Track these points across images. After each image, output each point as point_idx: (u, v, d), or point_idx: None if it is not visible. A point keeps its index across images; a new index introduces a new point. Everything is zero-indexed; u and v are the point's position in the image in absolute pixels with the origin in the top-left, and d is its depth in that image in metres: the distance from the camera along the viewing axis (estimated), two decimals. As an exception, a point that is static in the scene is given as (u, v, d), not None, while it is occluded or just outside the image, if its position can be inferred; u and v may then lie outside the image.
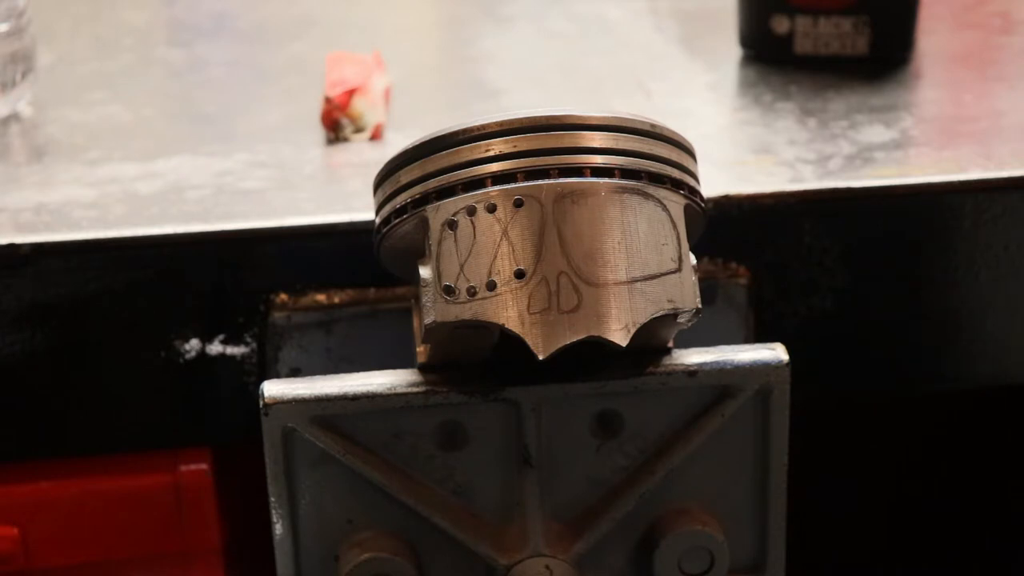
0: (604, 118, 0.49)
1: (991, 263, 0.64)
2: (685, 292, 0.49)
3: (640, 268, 0.48)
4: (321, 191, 0.64)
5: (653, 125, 0.50)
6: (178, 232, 0.60)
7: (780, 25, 0.78)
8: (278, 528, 0.53)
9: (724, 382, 0.53)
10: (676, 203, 0.50)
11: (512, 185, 0.48)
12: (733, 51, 0.81)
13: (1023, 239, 0.64)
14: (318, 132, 0.71)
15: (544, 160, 0.48)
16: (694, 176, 0.52)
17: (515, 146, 0.48)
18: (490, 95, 0.77)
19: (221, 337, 0.61)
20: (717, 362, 0.53)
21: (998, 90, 0.77)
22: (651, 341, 0.52)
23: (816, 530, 0.92)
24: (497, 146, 0.49)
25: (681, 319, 0.50)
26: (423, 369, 0.52)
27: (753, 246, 0.63)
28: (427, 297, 0.49)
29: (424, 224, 0.49)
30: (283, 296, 0.61)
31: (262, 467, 0.53)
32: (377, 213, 0.52)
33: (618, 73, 0.80)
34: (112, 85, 0.79)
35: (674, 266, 0.49)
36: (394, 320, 0.61)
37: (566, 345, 0.47)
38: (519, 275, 0.47)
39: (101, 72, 0.81)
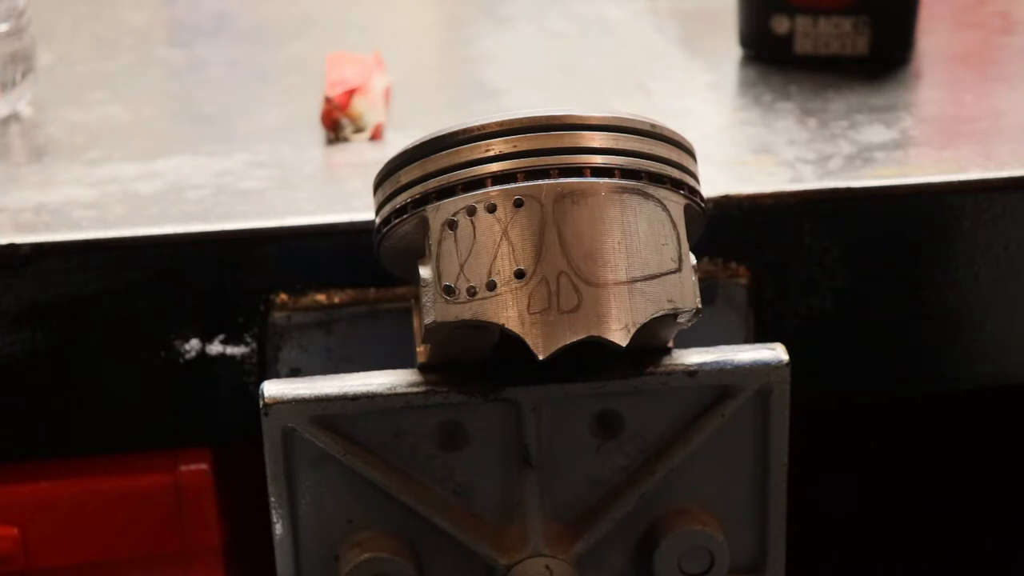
0: (604, 118, 0.49)
1: (991, 263, 0.64)
2: (685, 292, 0.49)
3: (640, 268, 0.48)
4: (321, 191, 0.64)
5: (653, 125, 0.50)
6: (178, 232, 0.60)
7: (780, 25, 0.78)
8: (278, 528, 0.53)
9: (724, 382, 0.53)
10: (676, 203, 0.50)
11: (512, 185, 0.48)
12: (733, 51, 0.81)
13: (1023, 239, 0.64)
14: (318, 132, 0.71)
15: (544, 160, 0.48)
16: (694, 176, 0.52)
17: (515, 146, 0.48)
18: (490, 95, 0.77)
19: (221, 337, 0.61)
20: (717, 362, 0.53)
21: (998, 90, 0.77)
22: (651, 341, 0.52)
23: (816, 530, 0.92)
24: (497, 146, 0.49)
25: (681, 319, 0.50)
26: (423, 369, 0.52)
27: (753, 246, 0.63)
28: (427, 297, 0.49)
29: (424, 224, 0.49)
30: (283, 296, 0.61)
31: (262, 467, 0.53)
32: (377, 213, 0.52)
33: (618, 73, 0.80)
34: (112, 85, 0.79)
35: (674, 266, 0.49)
36: (394, 320, 0.61)
37: (566, 345, 0.47)
38: (519, 275, 0.47)
39: (101, 72, 0.81)
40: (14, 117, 0.74)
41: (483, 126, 0.49)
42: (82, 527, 0.64)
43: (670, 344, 0.53)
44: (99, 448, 0.63)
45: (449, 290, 0.48)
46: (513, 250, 0.47)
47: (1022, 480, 0.96)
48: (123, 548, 0.64)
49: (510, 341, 0.48)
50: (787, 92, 0.75)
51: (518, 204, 0.48)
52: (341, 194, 0.64)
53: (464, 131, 0.49)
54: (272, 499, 0.53)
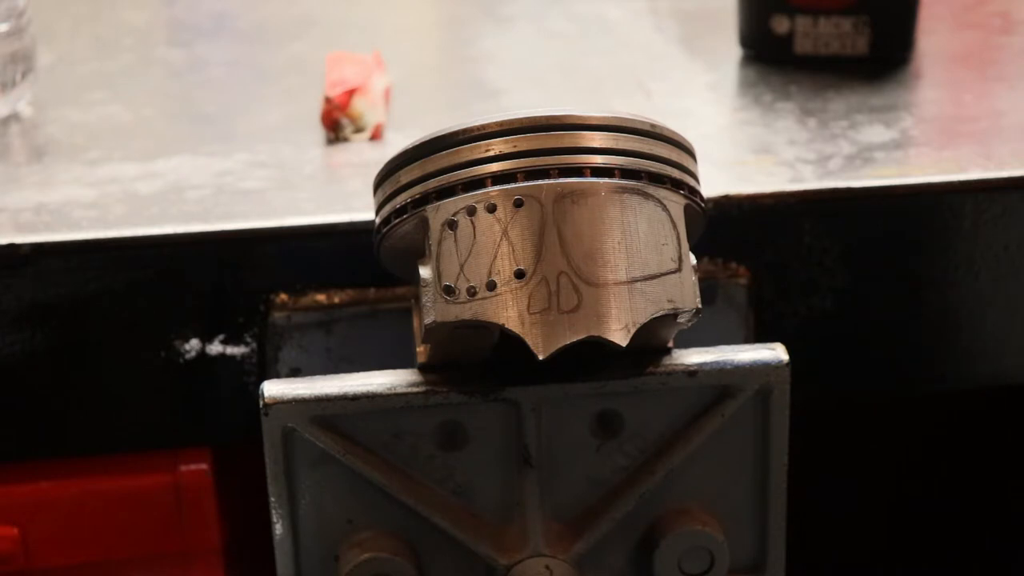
0: (604, 118, 0.49)
1: (991, 263, 0.64)
2: (685, 292, 0.49)
3: (640, 268, 0.48)
4: (321, 191, 0.64)
5: (653, 125, 0.50)
6: (178, 232, 0.60)
7: (780, 25, 0.78)
8: (278, 528, 0.53)
9: (724, 382, 0.53)
10: (676, 203, 0.50)
11: (512, 185, 0.48)
12: (733, 51, 0.81)
13: (1023, 239, 0.64)
14: (318, 132, 0.71)
15: (544, 160, 0.48)
16: (694, 176, 0.52)
17: (515, 146, 0.48)
18: (490, 95, 0.77)
19: (221, 337, 0.61)
20: (717, 362, 0.53)
21: (998, 90, 0.77)
22: (651, 341, 0.52)
23: (816, 530, 0.92)
24: (497, 146, 0.49)
25: (681, 319, 0.50)
26: (423, 369, 0.52)
27: (753, 246, 0.63)
28: (427, 297, 0.49)
29: (424, 224, 0.49)
30: (283, 296, 0.61)
31: (262, 467, 0.53)
32: (377, 213, 0.52)
33: (618, 73, 0.80)
34: (112, 85, 0.79)
35: (674, 266, 0.49)
36: (394, 320, 0.61)
37: (566, 345, 0.47)
38: (519, 275, 0.47)
39: (101, 72, 0.81)
40: (14, 117, 0.74)
41: (483, 126, 0.49)
42: (82, 527, 0.64)
43: (670, 344, 0.53)
44: (99, 448, 0.63)
45: (449, 290, 0.48)
46: (513, 250, 0.47)
47: (1022, 480, 0.96)
48: (123, 548, 0.64)
49: (510, 341, 0.48)
50: (787, 92, 0.75)
51: (518, 204, 0.48)
52: (341, 194, 0.64)
53: (464, 131, 0.49)
54: (272, 499, 0.53)
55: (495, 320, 0.47)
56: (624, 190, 0.48)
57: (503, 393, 0.52)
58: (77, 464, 0.63)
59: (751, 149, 0.68)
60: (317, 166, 0.68)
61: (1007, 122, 0.71)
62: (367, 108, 0.71)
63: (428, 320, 0.49)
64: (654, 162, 0.49)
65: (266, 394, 0.51)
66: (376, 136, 0.70)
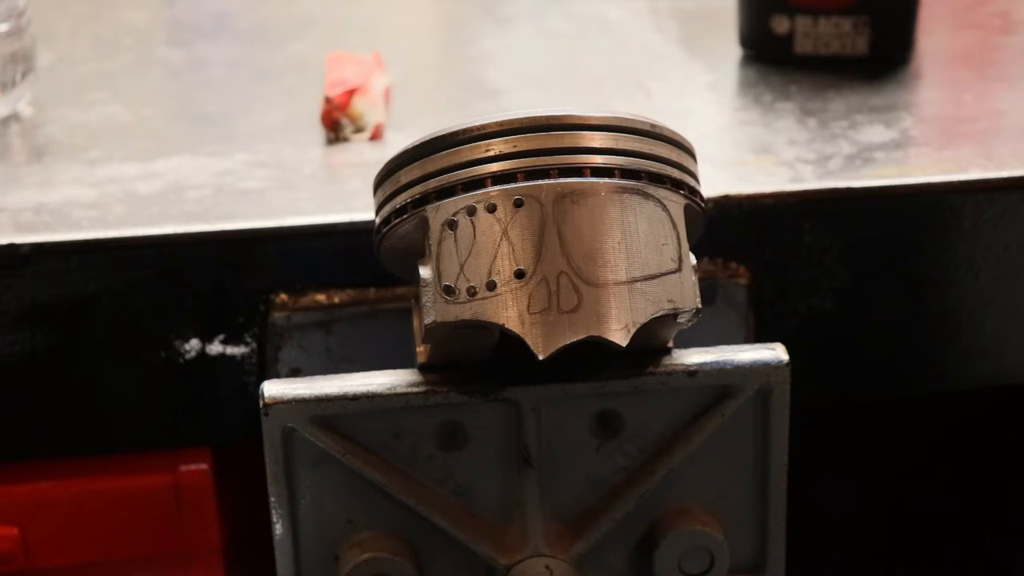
0: (604, 118, 0.49)
1: (991, 263, 0.64)
2: (685, 292, 0.49)
3: (640, 268, 0.48)
4: (321, 191, 0.64)
5: (653, 125, 0.50)
6: (178, 232, 0.60)
7: (780, 25, 0.78)
8: (278, 528, 0.53)
9: (724, 382, 0.53)
10: (676, 203, 0.50)
11: (512, 185, 0.48)
12: (733, 51, 0.81)
13: (1023, 239, 0.64)
14: (318, 132, 0.71)
15: (544, 160, 0.48)
16: (694, 176, 0.52)
17: (515, 146, 0.48)
18: (490, 95, 0.77)
19: (221, 337, 0.61)
20: (717, 362, 0.53)
21: (998, 90, 0.77)
22: (651, 341, 0.52)
23: (816, 530, 0.92)
24: (497, 146, 0.49)
25: (681, 319, 0.50)
26: (423, 369, 0.52)
27: (753, 246, 0.63)
28: (427, 297, 0.49)
29: (424, 224, 0.49)
30: (283, 296, 0.61)
31: (262, 467, 0.53)
32: (377, 213, 0.52)
33: (618, 73, 0.80)
34: (112, 85, 0.79)
35: (674, 266, 0.49)
36: (394, 320, 0.61)
37: (566, 345, 0.47)
38: (519, 275, 0.47)
39: (101, 72, 0.81)
40: (14, 117, 0.74)
41: (483, 126, 0.49)
42: (82, 527, 0.64)
43: (670, 344, 0.53)
44: (99, 448, 0.63)
45: (449, 290, 0.48)
46: (513, 250, 0.47)
47: (1022, 480, 0.96)
48: (123, 548, 0.64)
49: (510, 341, 0.48)
50: (787, 92, 0.75)
51: (518, 204, 0.48)
52: (341, 194, 0.64)
53: (464, 131, 0.49)
54: (272, 499, 0.53)
55: (495, 320, 0.47)
56: (624, 190, 0.48)
57: (503, 393, 0.52)
58: (77, 464, 0.63)
59: (751, 149, 0.68)
60: (317, 166, 0.68)
61: (1007, 122, 0.71)
62: (367, 108, 0.71)
63: (428, 320, 0.49)
64: (654, 162, 0.49)
65: (266, 394, 0.51)
66: (376, 136, 0.70)
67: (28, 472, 0.63)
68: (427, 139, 0.50)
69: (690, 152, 0.52)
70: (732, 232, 0.62)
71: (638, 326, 0.48)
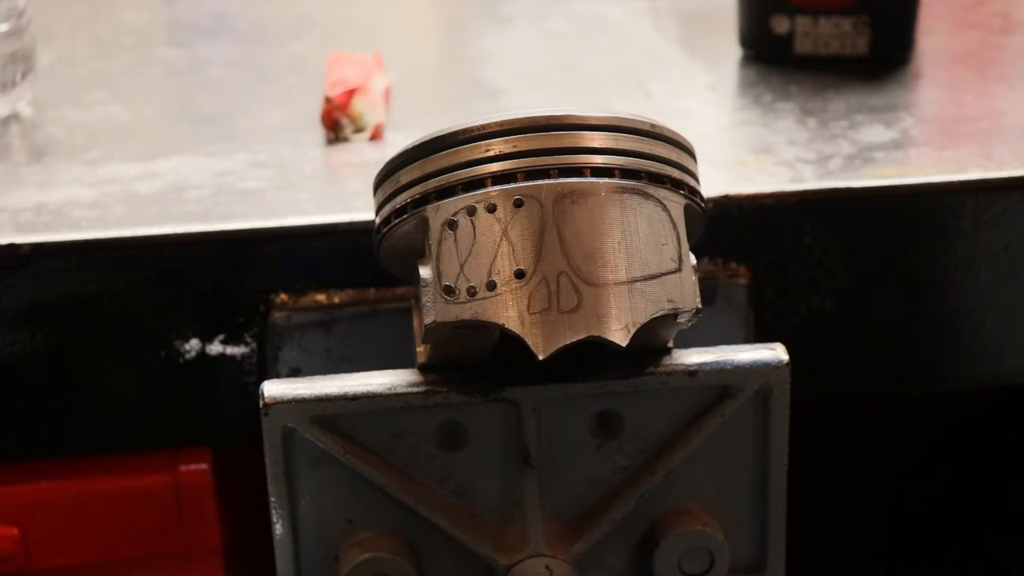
0: (604, 118, 0.49)
1: (991, 263, 0.64)
2: (685, 292, 0.49)
3: (640, 268, 0.48)
4: (321, 191, 0.64)
5: (653, 125, 0.50)
6: (178, 232, 0.60)
7: (780, 25, 0.78)
8: (278, 528, 0.53)
9: (724, 382, 0.53)
10: (676, 203, 0.50)
11: (512, 185, 0.48)
12: (733, 51, 0.81)
13: (1023, 239, 0.64)
14: (318, 132, 0.71)
15: (544, 160, 0.48)
16: (694, 176, 0.52)
17: (515, 146, 0.48)
18: (490, 95, 0.77)
19: (221, 337, 0.61)
20: (717, 362, 0.53)
21: (998, 90, 0.77)
22: (651, 341, 0.52)
23: (816, 530, 0.92)
24: (497, 146, 0.49)
25: (681, 319, 0.50)
26: (423, 369, 0.52)
27: (753, 246, 0.63)
28: (427, 297, 0.49)
29: (424, 224, 0.49)
30: (283, 296, 0.61)
31: (262, 467, 0.53)
32: (377, 213, 0.52)
33: (618, 73, 0.80)
34: (112, 85, 0.79)
35: (674, 266, 0.49)
36: (394, 320, 0.61)
37: (566, 345, 0.47)
38: (519, 275, 0.47)
39: (101, 72, 0.81)
40: (14, 117, 0.74)
41: (483, 126, 0.49)
42: (82, 527, 0.64)
43: (670, 344, 0.53)
44: (99, 448, 0.63)
45: (449, 290, 0.48)
46: (513, 250, 0.47)
47: (1022, 480, 0.96)
48: (123, 548, 0.64)
49: (510, 341, 0.48)
50: (787, 92, 0.75)
51: (518, 204, 0.48)
52: (341, 194, 0.64)
53: (464, 131, 0.49)
54: (272, 499, 0.53)
55: (495, 320, 0.47)
56: (624, 190, 0.48)
57: (503, 393, 0.52)
58: (77, 464, 0.63)
59: (751, 149, 0.68)
60: (317, 166, 0.68)
61: (1007, 122, 0.71)
62: (367, 108, 0.71)
63: (428, 320, 0.49)
64: (654, 162, 0.49)
65: (266, 394, 0.51)
66: (376, 136, 0.70)
67: (28, 472, 0.63)
68: (427, 139, 0.50)
69: (690, 152, 0.52)
70: (732, 232, 0.62)
71: (638, 326, 0.48)
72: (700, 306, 0.50)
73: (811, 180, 0.64)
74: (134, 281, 0.60)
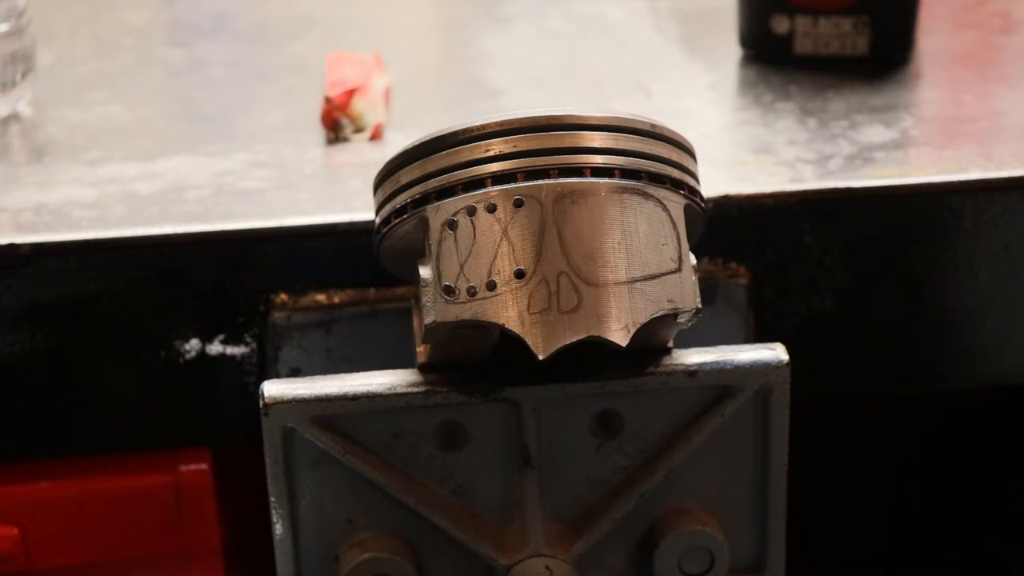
0: (604, 118, 0.49)
1: (991, 263, 0.64)
2: (685, 292, 0.49)
3: (640, 268, 0.48)
4: (321, 191, 0.64)
5: (653, 125, 0.50)
6: (178, 232, 0.60)
7: (780, 25, 0.78)
8: (278, 528, 0.53)
9: (724, 382, 0.53)
10: (676, 203, 0.50)
11: (512, 185, 0.48)
12: (733, 51, 0.81)
13: (1023, 239, 0.64)
14: (318, 132, 0.71)
15: (544, 160, 0.48)
16: (694, 176, 0.52)
17: (515, 146, 0.48)
18: (490, 95, 0.77)
19: (221, 337, 0.61)
20: (717, 362, 0.53)
21: (998, 90, 0.77)
22: (651, 341, 0.52)
23: (816, 530, 0.92)
24: (497, 146, 0.49)
25: (681, 319, 0.50)
26: (423, 369, 0.52)
27: (753, 246, 0.63)
28: (427, 297, 0.49)
29: (424, 224, 0.49)
30: (283, 296, 0.61)
31: (262, 467, 0.53)
32: (377, 213, 0.52)
33: (618, 73, 0.80)
34: (112, 85, 0.79)
35: (674, 266, 0.49)
36: (394, 320, 0.61)
37: (566, 345, 0.47)
38: (519, 275, 0.47)
39: (101, 72, 0.81)
40: (14, 117, 0.74)
41: (483, 126, 0.49)
42: (82, 527, 0.64)
43: (670, 344, 0.53)
44: (99, 448, 0.63)
45: (449, 290, 0.48)
46: (513, 250, 0.47)
47: (1022, 480, 0.96)
48: (123, 548, 0.64)
49: (510, 341, 0.48)
50: (787, 92, 0.75)
51: (518, 204, 0.48)
52: (341, 194, 0.64)
53: (464, 131, 0.49)
54: (272, 499, 0.53)
55: (495, 320, 0.47)
56: (624, 190, 0.48)
57: (503, 393, 0.52)
58: (77, 464, 0.63)
59: (751, 149, 0.68)
60: (317, 166, 0.68)
61: (1007, 122, 0.71)
62: (367, 108, 0.71)
63: (428, 320, 0.49)
64: (654, 162, 0.49)
65: (266, 394, 0.51)
66: (376, 136, 0.70)
67: (28, 472, 0.63)
68: (427, 139, 0.50)
69: (690, 152, 0.52)
70: (732, 232, 0.62)
71: (638, 326, 0.48)
72: (700, 306, 0.50)
73: (811, 180, 0.64)
74: (134, 281, 0.60)
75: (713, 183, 0.62)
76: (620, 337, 0.47)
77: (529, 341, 0.47)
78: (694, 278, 0.50)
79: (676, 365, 0.52)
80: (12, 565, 0.63)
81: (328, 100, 0.70)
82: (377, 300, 0.61)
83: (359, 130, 0.70)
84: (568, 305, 0.47)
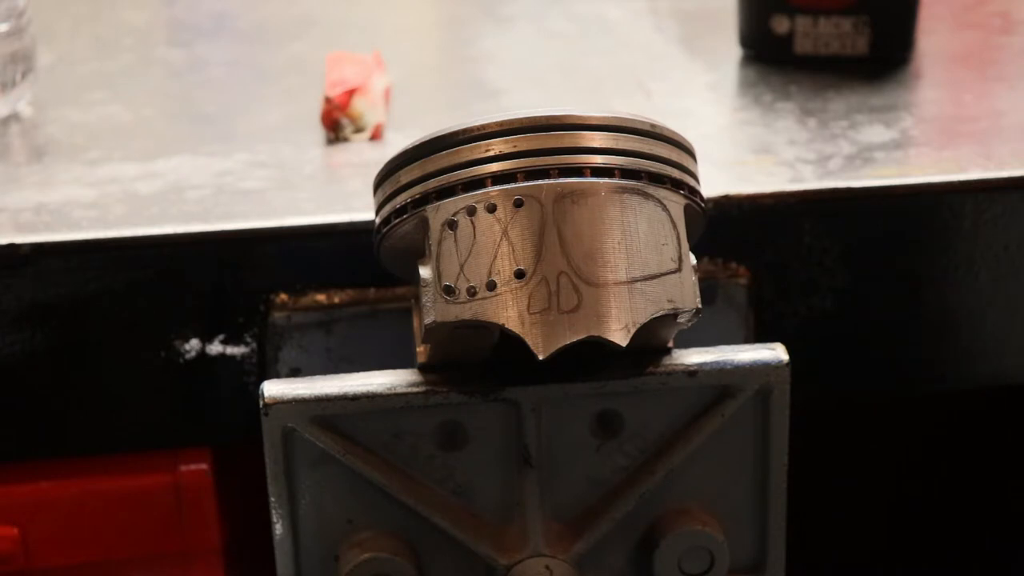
0: (604, 118, 0.49)
1: (991, 263, 0.64)
2: (685, 292, 0.49)
3: (640, 268, 0.48)
4: (321, 191, 0.64)
5: (653, 125, 0.50)
6: (178, 232, 0.60)
7: (780, 25, 0.78)
8: (278, 528, 0.53)
9: (724, 382, 0.53)
10: (676, 203, 0.50)
11: (512, 185, 0.48)
12: (733, 51, 0.81)
13: (1023, 239, 0.64)
14: (318, 132, 0.71)
15: (544, 160, 0.48)
16: (694, 176, 0.52)
17: (515, 146, 0.48)
18: (490, 95, 0.77)
19: (221, 337, 0.61)
20: (717, 362, 0.53)
21: (998, 90, 0.77)
22: (651, 341, 0.52)
23: (816, 530, 0.92)
24: (497, 146, 0.49)
25: (681, 319, 0.50)
26: (423, 369, 0.52)
27: (753, 246, 0.63)
28: (427, 297, 0.49)
29: (424, 224, 0.49)
30: (283, 296, 0.61)
31: (262, 467, 0.53)
32: (377, 213, 0.52)
33: (618, 73, 0.80)
34: (112, 85, 0.79)
35: (674, 266, 0.49)
36: (394, 320, 0.61)
37: (566, 345, 0.47)
38: (519, 275, 0.47)
39: (101, 72, 0.81)
40: (14, 117, 0.74)
41: (483, 126, 0.49)
42: (82, 527, 0.64)
43: (670, 344, 0.53)
44: (99, 448, 0.63)
45: (449, 290, 0.48)
46: (513, 250, 0.47)
47: (1022, 480, 0.96)
48: (123, 548, 0.64)
49: (510, 341, 0.48)
50: (787, 92, 0.75)
51: (518, 204, 0.48)
52: (341, 194, 0.64)
53: (464, 131, 0.49)
54: (272, 499, 0.53)
55: (495, 320, 0.47)
56: (624, 190, 0.48)
57: (503, 393, 0.52)
58: (77, 464, 0.63)
59: (751, 149, 0.68)
60: (317, 166, 0.68)
61: (1007, 122, 0.71)
62: (367, 108, 0.71)
63: (428, 320, 0.49)
64: (654, 162, 0.49)
65: (266, 394, 0.51)
66: (376, 136, 0.70)
67: (28, 472, 0.63)
68: (427, 139, 0.50)
69: (690, 152, 0.52)
70: (732, 232, 0.62)
71: (638, 326, 0.48)
72: (700, 306, 0.50)
73: (811, 180, 0.64)
74: (134, 281, 0.60)
75: (713, 183, 0.62)
76: (620, 337, 0.47)
77: (529, 341, 0.47)
78: (694, 278, 0.50)
79: (676, 365, 0.52)
80: (12, 565, 0.63)
81: (328, 100, 0.70)
82: (377, 300, 0.61)
83: (359, 130, 0.70)
84: (568, 305, 0.47)
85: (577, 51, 0.85)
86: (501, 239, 0.48)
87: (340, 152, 0.69)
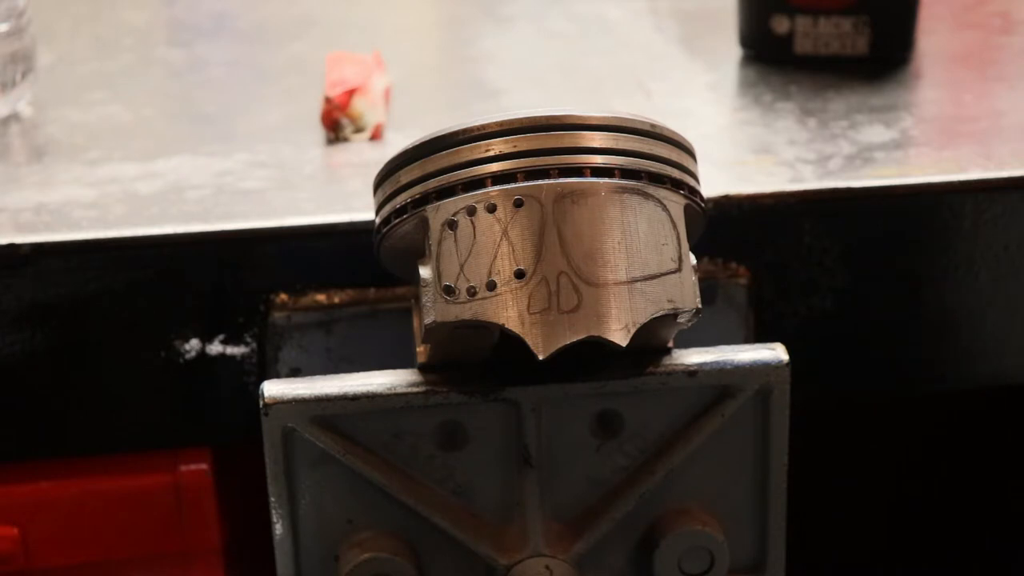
0: (604, 118, 0.49)
1: (991, 263, 0.64)
2: (685, 292, 0.49)
3: (640, 268, 0.48)
4: (321, 191, 0.64)
5: (653, 125, 0.50)
6: (178, 232, 0.60)
7: (780, 25, 0.78)
8: (278, 528, 0.53)
9: (724, 382, 0.53)
10: (676, 203, 0.50)
11: (512, 185, 0.48)
12: (733, 51, 0.81)
13: (1023, 239, 0.64)
14: (318, 132, 0.71)
15: (544, 160, 0.48)
16: (694, 176, 0.52)
17: (515, 146, 0.48)
18: (490, 95, 0.77)
19: (221, 337, 0.61)
20: (717, 362, 0.53)
21: (998, 90, 0.77)
22: (651, 341, 0.52)
23: (816, 530, 0.92)
24: (497, 146, 0.49)
25: (681, 319, 0.50)
26: (423, 369, 0.52)
27: (753, 246, 0.63)
28: (427, 297, 0.49)
29: (424, 224, 0.49)
30: (283, 296, 0.61)
31: (262, 467, 0.53)
32: (377, 213, 0.52)
33: (618, 73, 0.80)
34: (112, 85, 0.79)
35: (674, 266, 0.49)
36: (394, 320, 0.61)
37: (566, 345, 0.47)
38: (519, 275, 0.47)
39: (101, 72, 0.81)
40: (14, 117, 0.74)
41: (483, 126, 0.49)
42: (82, 527, 0.64)
43: (670, 344, 0.53)
44: (99, 448, 0.63)
45: (449, 290, 0.48)
46: (513, 250, 0.47)
47: (1022, 480, 0.96)
48: (123, 548, 0.64)
49: (510, 341, 0.48)
50: (787, 92, 0.75)
51: (518, 204, 0.48)
52: (341, 194, 0.64)
53: (464, 131, 0.49)
54: (272, 499, 0.53)
55: (495, 320, 0.47)
56: (624, 190, 0.48)
57: (503, 393, 0.52)
58: (77, 464, 0.63)
59: (751, 149, 0.68)
60: (317, 166, 0.68)
61: (1007, 122, 0.71)
62: (367, 108, 0.71)
63: (428, 320, 0.49)
64: (654, 162, 0.49)
65: (266, 394, 0.51)
66: (376, 136, 0.70)
67: (28, 472, 0.63)
68: (427, 139, 0.50)
69: (690, 152, 0.52)
70: (732, 232, 0.62)
71: (638, 326, 0.48)
72: (700, 306, 0.50)
73: (811, 180, 0.64)
74: (134, 281, 0.60)
75: (713, 183, 0.62)
76: (620, 337, 0.47)
77: (529, 341, 0.47)
78: (694, 278, 0.50)
79: (676, 365, 0.52)
80: (12, 565, 0.63)
81: (328, 100, 0.70)
82: (377, 300, 0.61)
83: (359, 130, 0.70)
84: (568, 305, 0.47)
85: (577, 51, 0.85)
86: (501, 239, 0.48)
87: (340, 152, 0.69)
